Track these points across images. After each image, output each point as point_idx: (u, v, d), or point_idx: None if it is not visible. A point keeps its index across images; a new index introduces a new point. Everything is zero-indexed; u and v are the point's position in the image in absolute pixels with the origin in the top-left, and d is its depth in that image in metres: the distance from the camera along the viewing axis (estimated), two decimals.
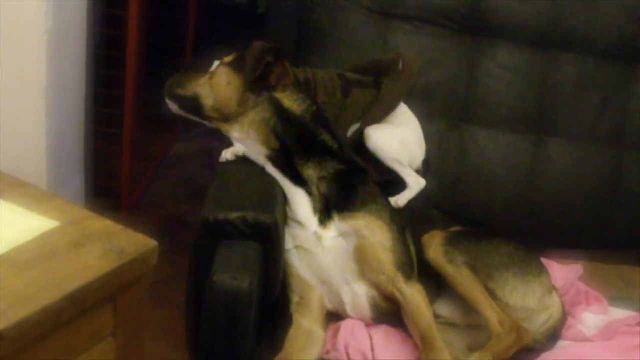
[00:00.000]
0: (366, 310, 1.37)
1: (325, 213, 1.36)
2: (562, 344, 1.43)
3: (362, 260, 1.34)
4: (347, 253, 1.34)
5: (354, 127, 1.55)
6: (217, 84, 1.41)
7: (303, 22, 1.79)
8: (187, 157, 3.02)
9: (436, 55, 1.79)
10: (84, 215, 1.22)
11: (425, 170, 1.59)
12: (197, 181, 2.81)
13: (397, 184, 1.54)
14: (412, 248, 1.40)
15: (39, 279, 1.03)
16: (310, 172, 1.37)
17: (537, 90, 1.81)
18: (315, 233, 1.35)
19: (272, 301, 1.35)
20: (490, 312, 1.31)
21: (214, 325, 1.21)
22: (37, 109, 1.47)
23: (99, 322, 1.12)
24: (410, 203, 1.52)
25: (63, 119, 1.58)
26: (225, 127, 1.42)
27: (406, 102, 1.63)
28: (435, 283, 1.37)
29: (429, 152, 1.64)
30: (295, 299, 1.38)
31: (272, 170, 1.39)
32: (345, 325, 1.37)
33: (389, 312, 1.36)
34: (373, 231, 1.33)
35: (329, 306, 1.39)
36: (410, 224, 1.44)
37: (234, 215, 1.24)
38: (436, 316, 1.34)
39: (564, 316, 1.46)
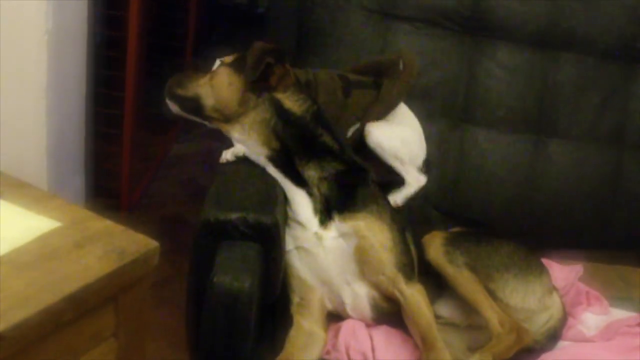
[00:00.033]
0: (367, 310, 1.37)
1: (325, 213, 1.36)
2: (562, 344, 1.43)
3: (363, 260, 1.34)
4: (347, 253, 1.34)
5: (354, 127, 1.55)
6: (218, 84, 1.41)
7: (303, 22, 1.79)
8: (187, 157, 3.02)
9: (436, 55, 1.78)
10: (85, 215, 1.22)
11: (425, 170, 1.59)
12: (197, 181, 2.81)
13: (398, 184, 1.54)
14: (413, 248, 1.40)
15: (40, 279, 1.03)
16: (311, 173, 1.37)
17: (537, 90, 1.81)
18: (316, 233, 1.35)
19: (273, 301, 1.35)
20: (490, 312, 1.31)
21: (214, 325, 1.21)
22: (38, 109, 1.47)
23: (100, 323, 1.12)
24: (410, 203, 1.53)
25: (63, 119, 1.58)
26: (225, 128, 1.42)
27: (406, 102, 1.63)
28: (436, 283, 1.37)
29: (429, 152, 1.64)
30: (295, 299, 1.38)
31: (272, 170, 1.39)
32: (345, 326, 1.37)
33: (390, 313, 1.36)
34: (373, 231, 1.33)
35: (330, 306, 1.39)
36: (411, 225, 1.44)
37: (234, 216, 1.24)
38: (436, 316, 1.34)
39: (565, 316, 1.46)
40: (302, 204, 1.37)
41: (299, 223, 1.36)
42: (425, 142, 1.63)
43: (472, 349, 1.31)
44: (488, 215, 1.76)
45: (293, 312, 1.37)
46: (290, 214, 1.37)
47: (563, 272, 1.62)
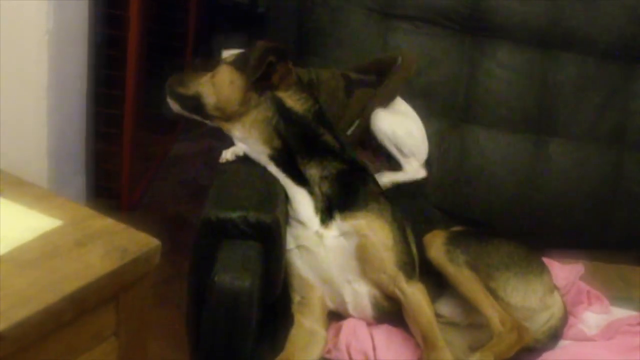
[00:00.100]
0: (368, 309, 1.37)
1: (326, 212, 1.36)
2: (563, 343, 1.43)
3: (364, 259, 1.34)
4: (348, 252, 1.34)
5: (354, 125, 1.56)
6: (219, 82, 1.41)
7: (303, 22, 1.79)
8: (187, 157, 3.01)
9: (436, 55, 1.79)
10: (86, 214, 1.22)
11: (426, 170, 1.59)
12: (198, 181, 2.81)
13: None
14: (414, 247, 1.40)
15: (41, 278, 1.03)
16: (312, 172, 1.37)
17: (537, 90, 1.81)
18: (317, 232, 1.35)
19: (273, 301, 1.35)
20: (491, 311, 1.31)
21: (214, 325, 1.21)
22: (38, 109, 1.47)
23: (101, 322, 1.12)
24: (410, 203, 1.53)
25: (64, 119, 1.58)
26: (227, 126, 1.42)
27: (407, 102, 1.64)
28: (437, 282, 1.37)
29: (429, 152, 1.64)
30: (296, 298, 1.38)
31: (273, 169, 1.39)
32: (346, 325, 1.37)
33: (391, 312, 1.36)
34: (374, 230, 1.33)
35: (331, 305, 1.39)
36: (412, 224, 1.44)
37: (235, 215, 1.24)
38: (437, 315, 1.34)
39: (565, 315, 1.46)
40: (303, 202, 1.37)
41: (300, 222, 1.36)
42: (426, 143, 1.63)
43: (473, 348, 1.31)
44: (488, 214, 1.76)
45: (294, 311, 1.37)
46: (291, 212, 1.37)
47: (564, 271, 1.62)
